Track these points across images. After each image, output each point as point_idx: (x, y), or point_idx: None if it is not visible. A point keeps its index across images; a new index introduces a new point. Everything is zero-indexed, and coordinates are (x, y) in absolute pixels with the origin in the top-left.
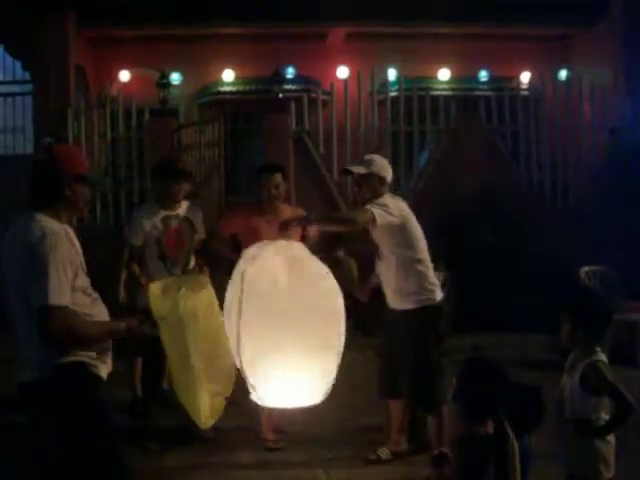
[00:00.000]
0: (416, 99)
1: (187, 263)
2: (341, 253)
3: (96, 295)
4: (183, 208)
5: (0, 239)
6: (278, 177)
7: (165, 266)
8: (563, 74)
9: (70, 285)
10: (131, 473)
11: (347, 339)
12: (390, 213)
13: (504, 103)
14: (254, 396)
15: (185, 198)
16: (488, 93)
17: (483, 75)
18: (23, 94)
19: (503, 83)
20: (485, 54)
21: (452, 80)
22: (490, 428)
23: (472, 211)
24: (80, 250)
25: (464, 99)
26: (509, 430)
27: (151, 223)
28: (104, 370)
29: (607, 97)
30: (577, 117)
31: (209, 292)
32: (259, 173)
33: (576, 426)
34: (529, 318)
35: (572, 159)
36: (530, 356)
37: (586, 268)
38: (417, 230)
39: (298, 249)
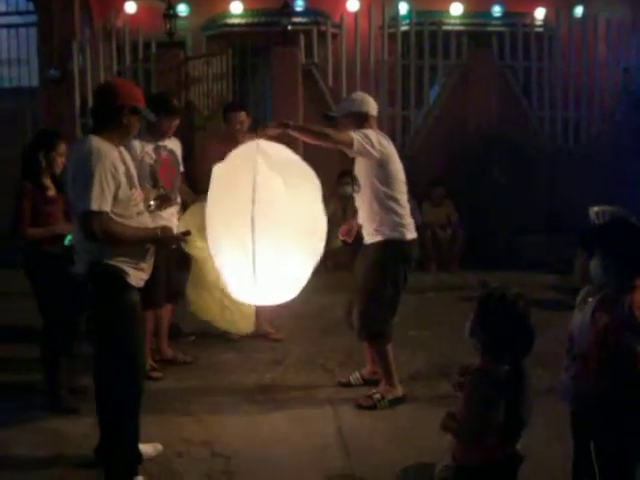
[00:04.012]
0: (427, 33)
1: (177, 192)
2: (349, 189)
3: (142, 209)
4: (169, 140)
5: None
6: (242, 115)
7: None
8: (579, 10)
9: (112, 195)
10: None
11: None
12: (370, 144)
13: (517, 39)
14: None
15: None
16: (501, 29)
17: (497, 10)
18: (26, 25)
19: (517, 19)
20: None
21: (465, 15)
22: (506, 364)
23: (481, 148)
24: (132, 168)
25: (476, 34)
26: (524, 366)
27: (144, 152)
28: (135, 276)
29: (623, 35)
30: (592, 55)
31: None
32: (225, 112)
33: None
34: (537, 257)
35: (585, 97)
36: (536, 295)
37: (596, 208)
38: (397, 170)
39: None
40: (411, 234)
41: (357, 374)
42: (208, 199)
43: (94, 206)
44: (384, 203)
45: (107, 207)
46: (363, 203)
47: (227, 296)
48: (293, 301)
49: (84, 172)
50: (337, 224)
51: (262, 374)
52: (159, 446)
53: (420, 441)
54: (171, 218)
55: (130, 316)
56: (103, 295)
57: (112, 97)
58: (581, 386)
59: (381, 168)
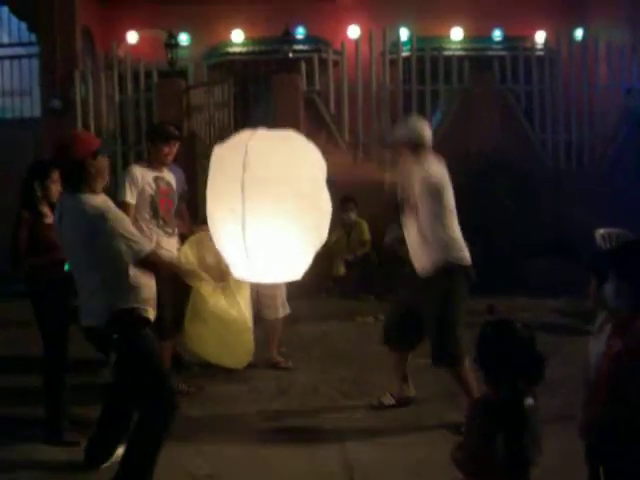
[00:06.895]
0: (429, 59)
1: (174, 225)
2: (353, 215)
3: None
4: (167, 172)
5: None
6: None
7: (158, 225)
8: (579, 33)
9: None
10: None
11: (359, 304)
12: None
13: (518, 63)
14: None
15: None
16: (502, 53)
17: (497, 34)
18: (29, 56)
19: (517, 43)
20: (499, 13)
21: (465, 40)
22: (506, 393)
23: (485, 172)
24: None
25: (478, 59)
26: (527, 397)
27: (144, 182)
28: (151, 314)
29: (624, 57)
30: (593, 78)
31: None
32: None
33: None
34: (543, 281)
35: (587, 120)
36: (543, 319)
37: (601, 230)
38: (450, 200)
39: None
40: (468, 258)
41: (388, 395)
42: (209, 179)
43: (146, 247)
44: (438, 224)
45: (150, 244)
46: (415, 223)
47: (226, 328)
48: (298, 329)
49: (113, 228)
50: (341, 250)
51: (267, 404)
52: None
53: (430, 473)
54: (172, 250)
55: (156, 348)
56: (131, 338)
57: (72, 154)
58: (592, 414)
59: (437, 195)
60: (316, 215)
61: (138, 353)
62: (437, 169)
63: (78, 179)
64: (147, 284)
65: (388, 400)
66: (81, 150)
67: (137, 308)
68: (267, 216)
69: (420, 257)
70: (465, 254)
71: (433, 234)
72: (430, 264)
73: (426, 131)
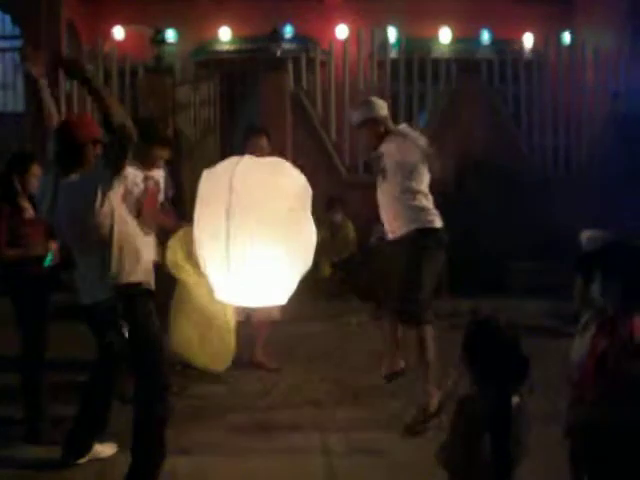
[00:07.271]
0: (417, 60)
1: (155, 223)
2: (339, 216)
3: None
4: (157, 169)
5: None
6: (263, 140)
7: (138, 224)
8: (567, 37)
9: None
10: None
11: (344, 305)
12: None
13: (506, 66)
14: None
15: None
16: (490, 55)
17: (485, 37)
18: (13, 50)
19: (505, 45)
20: (487, 15)
21: (453, 41)
22: (490, 393)
23: (472, 173)
24: None
25: (465, 61)
26: (512, 397)
27: (133, 182)
28: (152, 287)
29: (611, 62)
30: (580, 82)
31: None
32: (245, 135)
33: None
34: (527, 283)
35: (574, 124)
36: (528, 322)
37: (587, 232)
38: (420, 172)
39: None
40: (439, 222)
41: (384, 369)
42: (196, 203)
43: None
44: (411, 193)
45: None
46: (389, 192)
47: (210, 325)
48: (282, 329)
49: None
50: (327, 251)
51: (250, 405)
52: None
53: (414, 473)
54: (149, 247)
55: (155, 326)
56: (136, 310)
57: (74, 138)
58: (577, 415)
59: (415, 165)
60: (300, 243)
61: (140, 327)
62: (405, 145)
63: (73, 161)
64: (146, 258)
65: (387, 372)
66: (86, 134)
67: (141, 282)
68: (251, 242)
69: (392, 224)
70: (435, 219)
71: (404, 204)
72: (401, 231)
73: (381, 106)
